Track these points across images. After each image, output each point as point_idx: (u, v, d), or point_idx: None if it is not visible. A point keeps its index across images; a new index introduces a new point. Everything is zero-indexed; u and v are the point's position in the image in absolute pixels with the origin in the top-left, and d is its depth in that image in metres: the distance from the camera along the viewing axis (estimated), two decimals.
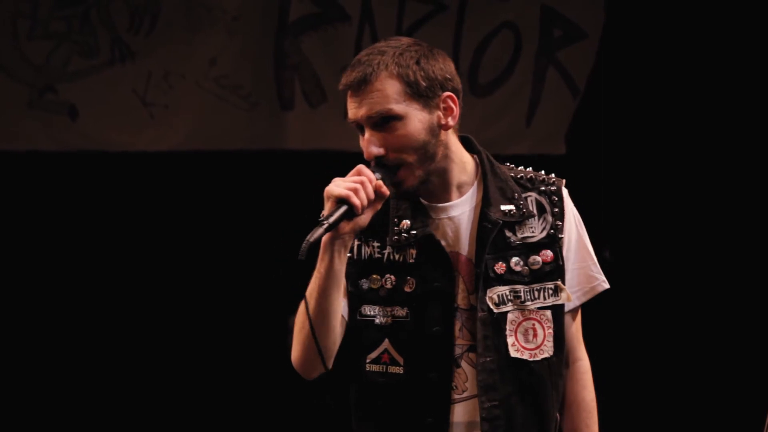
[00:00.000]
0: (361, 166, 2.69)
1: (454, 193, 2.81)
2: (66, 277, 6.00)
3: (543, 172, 2.92)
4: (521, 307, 2.78)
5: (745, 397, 5.89)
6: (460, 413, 2.74)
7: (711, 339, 5.90)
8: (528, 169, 2.92)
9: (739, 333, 5.89)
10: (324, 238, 2.63)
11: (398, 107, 2.72)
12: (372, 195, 2.65)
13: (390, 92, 2.72)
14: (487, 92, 5.91)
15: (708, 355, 5.90)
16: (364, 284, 2.77)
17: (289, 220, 5.92)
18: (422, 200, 2.80)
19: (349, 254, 2.73)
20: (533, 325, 2.79)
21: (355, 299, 2.78)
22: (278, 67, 5.92)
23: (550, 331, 2.79)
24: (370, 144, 2.72)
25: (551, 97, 5.90)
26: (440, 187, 2.79)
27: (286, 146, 5.93)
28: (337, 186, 2.64)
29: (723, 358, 5.89)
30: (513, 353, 2.76)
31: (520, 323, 2.78)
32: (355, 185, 2.64)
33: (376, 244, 2.79)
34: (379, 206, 2.68)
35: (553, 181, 2.89)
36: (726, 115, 5.89)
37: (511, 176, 2.87)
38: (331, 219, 2.59)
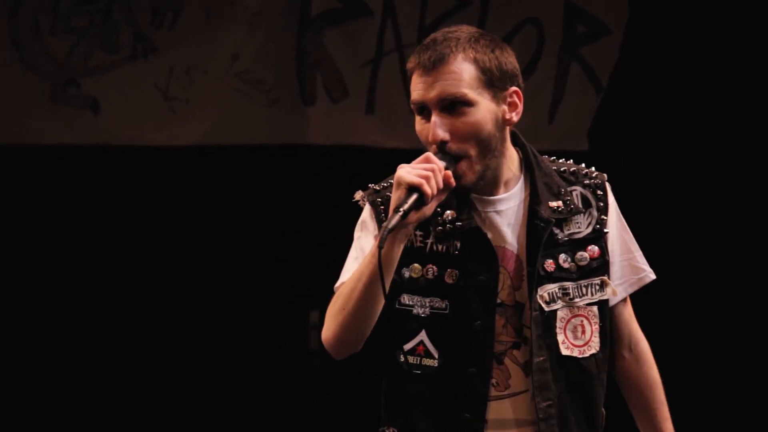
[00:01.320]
0: (429, 154, 2.61)
1: (502, 187, 2.75)
2: (89, 270, 6.01)
3: (584, 165, 2.88)
4: (570, 304, 2.75)
5: (747, 391, 5.87)
6: (499, 410, 2.71)
7: (733, 332, 5.88)
8: (569, 162, 2.87)
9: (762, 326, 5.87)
10: (388, 228, 2.56)
11: (471, 93, 2.66)
12: (441, 184, 2.59)
13: (465, 76, 2.66)
14: None
15: (726, 348, 5.88)
16: (405, 273, 2.71)
17: (310, 215, 5.94)
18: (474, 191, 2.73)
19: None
20: (581, 321, 2.76)
21: (396, 287, 2.70)
22: (300, 62, 5.91)
23: (597, 327, 2.77)
24: (437, 127, 2.65)
25: (574, 94, 5.88)
26: (490, 180, 2.73)
27: (308, 141, 5.92)
28: (409, 173, 2.57)
29: (741, 351, 5.87)
30: (564, 351, 2.73)
31: (569, 320, 2.75)
32: (427, 173, 2.57)
33: (419, 232, 2.72)
34: (444, 197, 2.63)
35: (596, 175, 2.85)
36: (748, 113, 5.85)
37: (555, 170, 2.82)
38: (406, 206, 2.53)
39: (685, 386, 5.91)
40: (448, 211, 2.69)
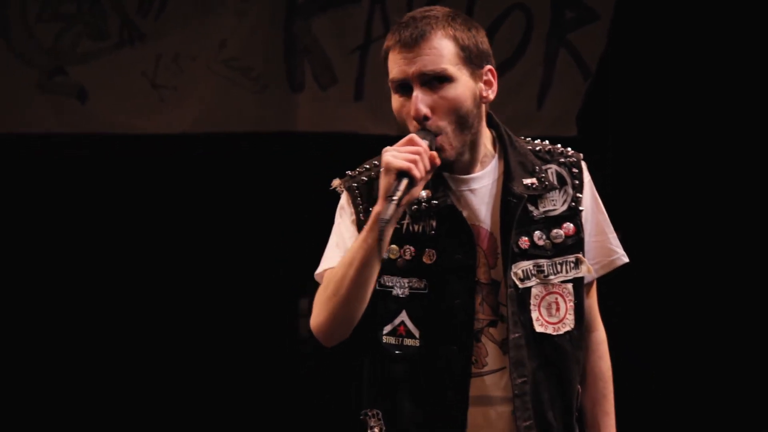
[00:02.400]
0: (413, 136, 2.62)
1: (477, 165, 2.75)
2: (77, 260, 6.00)
3: (560, 145, 2.89)
4: (544, 282, 2.76)
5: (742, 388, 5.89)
6: (479, 387, 2.72)
7: (715, 321, 5.90)
8: (545, 142, 2.88)
9: (745, 316, 5.88)
10: (378, 212, 2.57)
11: (452, 68, 2.67)
12: (429, 166, 2.60)
13: (445, 52, 2.68)
14: (498, 74, 5.87)
15: (713, 340, 5.90)
16: (384, 254, 2.69)
17: (300, 202, 5.94)
18: (443, 171, 2.74)
19: (362, 216, 2.72)
20: (556, 299, 2.77)
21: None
22: (288, 49, 5.91)
23: (572, 304, 2.78)
24: (419, 102, 2.66)
25: (562, 79, 5.88)
26: (466, 159, 2.74)
27: (297, 128, 5.92)
28: (396, 158, 2.58)
29: (728, 344, 5.89)
30: (538, 328, 2.74)
31: (543, 297, 2.76)
32: (414, 156, 2.57)
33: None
34: (429, 177, 2.63)
35: (572, 154, 2.86)
36: (736, 100, 5.86)
37: (530, 149, 2.83)
38: (399, 194, 2.54)
39: (673, 376, 5.93)
40: (423, 192, 2.70)
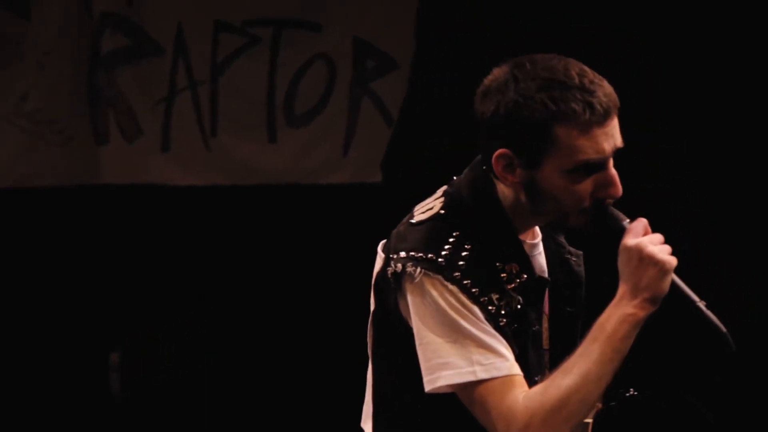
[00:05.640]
0: (646, 221, 2.36)
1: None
2: None
3: None
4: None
5: None
6: None
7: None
8: None
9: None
10: (642, 317, 2.33)
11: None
12: None
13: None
14: (304, 123, 5.98)
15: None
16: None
17: (110, 255, 5.89)
18: (519, 235, 2.45)
19: (503, 313, 2.38)
20: None
21: None
22: (92, 101, 5.87)
23: None
24: (618, 181, 2.38)
25: (366, 127, 5.99)
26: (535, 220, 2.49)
27: (102, 181, 5.88)
28: (668, 256, 2.33)
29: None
30: None
31: None
32: (668, 247, 2.35)
33: (495, 296, 2.38)
34: None
35: None
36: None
37: None
38: (694, 294, 2.35)
39: None
40: (512, 265, 2.41)
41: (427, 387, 2.35)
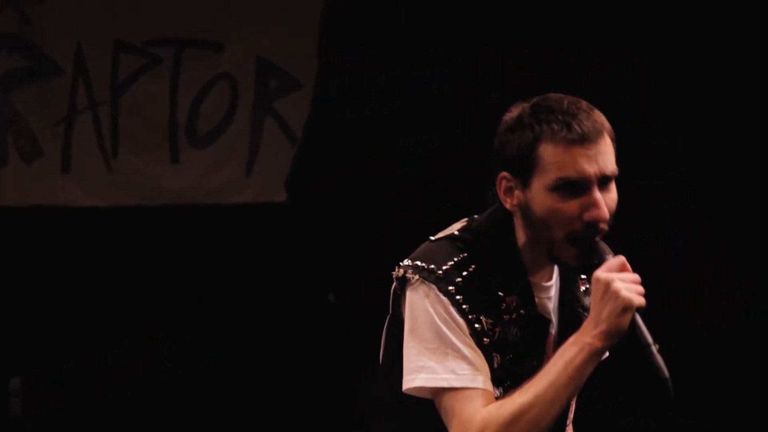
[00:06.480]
0: (624, 260, 2.43)
1: (553, 272, 2.59)
2: None
3: None
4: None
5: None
6: None
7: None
8: None
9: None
10: (600, 349, 2.40)
11: (615, 168, 2.49)
12: None
13: (612, 149, 2.48)
14: (207, 143, 5.96)
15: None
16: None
17: (12, 279, 5.80)
18: (531, 275, 2.55)
19: (489, 334, 2.50)
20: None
21: None
22: None
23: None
24: (603, 204, 2.45)
25: (270, 146, 5.99)
26: (548, 265, 2.57)
27: (2, 203, 5.80)
28: (630, 293, 2.39)
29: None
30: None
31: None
32: (642, 289, 2.41)
33: (487, 320, 2.51)
34: None
35: None
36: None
37: None
38: (650, 337, 2.38)
39: None
40: (512, 297, 2.52)
41: (404, 386, 2.49)
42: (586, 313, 2.54)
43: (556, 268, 2.59)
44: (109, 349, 5.92)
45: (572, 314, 2.60)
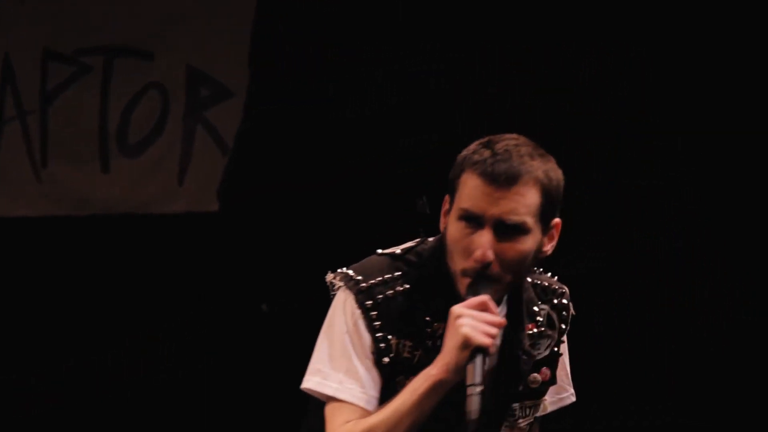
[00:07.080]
0: (485, 300, 2.45)
1: (503, 304, 2.59)
2: None
3: (556, 279, 2.76)
4: (512, 425, 2.68)
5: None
6: None
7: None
8: (547, 275, 2.75)
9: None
10: (442, 380, 2.44)
11: (530, 221, 2.48)
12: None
13: (530, 202, 2.47)
14: (137, 153, 5.92)
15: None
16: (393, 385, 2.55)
17: None
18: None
19: (391, 355, 2.54)
20: None
21: (387, 395, 2.55)
22: None
23: None
24: (488, 247, 2.46)
25: (201, 156, 5.97)
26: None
27: None
28: (475, 332, 2.41)
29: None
30: None
31: None
32: (494, 332, 2.43)
33: (408, 342, 2.55)
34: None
35: (563, 292, 2.74)
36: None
37: (529, 282, 2.67)
38: (479, 379, 2.40)
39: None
40: (439, 324, 2.53)
41: (302, 384, 2.60)
42: (524, 357, 2.61)
43: (504, 302, 2.60)
44: (109, 349, 5.87)
45: (511, 354, 2.61)
